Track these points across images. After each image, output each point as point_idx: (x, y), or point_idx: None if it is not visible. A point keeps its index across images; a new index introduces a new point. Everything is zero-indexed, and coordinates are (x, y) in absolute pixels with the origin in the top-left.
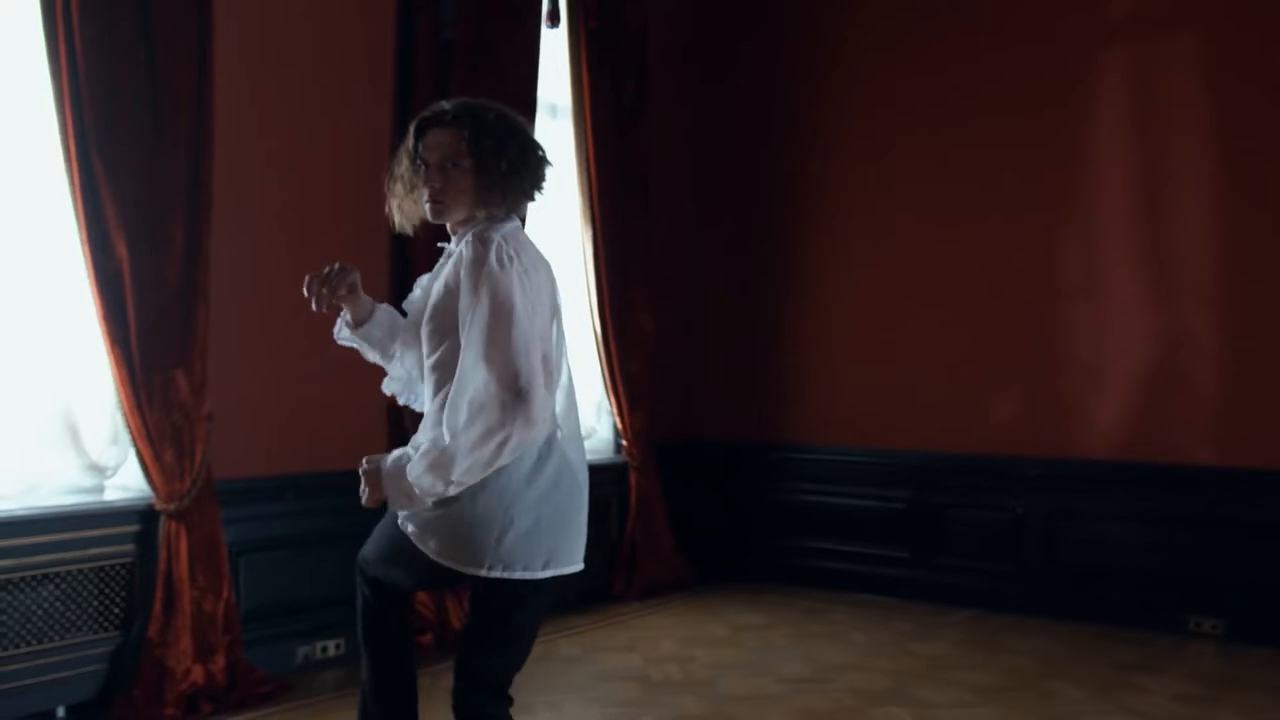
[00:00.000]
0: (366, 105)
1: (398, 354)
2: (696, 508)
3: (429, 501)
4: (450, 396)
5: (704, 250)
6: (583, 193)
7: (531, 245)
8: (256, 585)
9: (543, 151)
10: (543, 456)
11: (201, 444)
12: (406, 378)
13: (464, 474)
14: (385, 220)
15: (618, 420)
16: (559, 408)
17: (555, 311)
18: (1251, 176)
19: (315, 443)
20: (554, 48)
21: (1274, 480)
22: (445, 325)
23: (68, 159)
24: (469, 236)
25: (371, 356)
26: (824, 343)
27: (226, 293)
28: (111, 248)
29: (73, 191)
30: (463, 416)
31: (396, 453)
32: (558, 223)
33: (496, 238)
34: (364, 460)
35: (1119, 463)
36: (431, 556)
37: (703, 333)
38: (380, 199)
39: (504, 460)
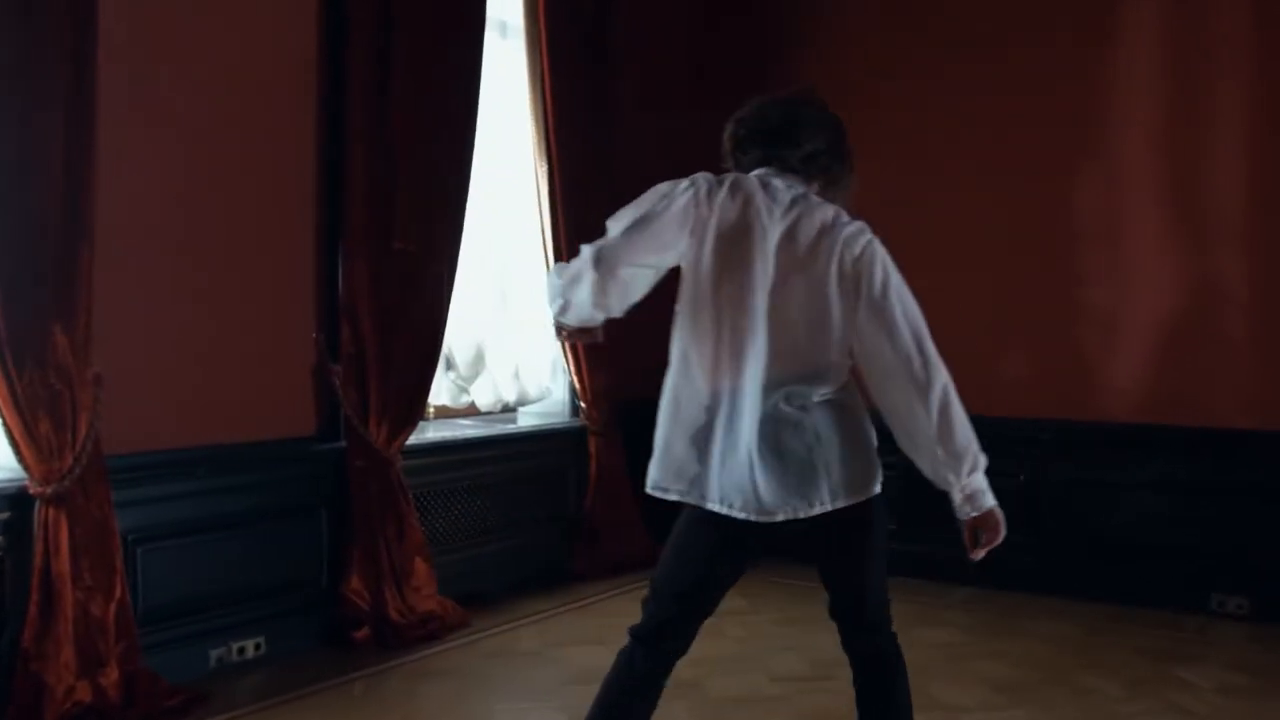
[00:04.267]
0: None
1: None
2: None
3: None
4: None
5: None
6: (536, 122)
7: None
8: (159, 579)
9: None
10: None
11: (87, 413)
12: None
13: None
14: (312, 135)
15: (575, 380)
16: None
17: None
18: None
19: (231, 409)
20: None
21: None
22: None
23: None
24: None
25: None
26: None
27: (117, 229)
28: None
29: None
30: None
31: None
32: (508, 159)
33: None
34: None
35: (1139, 425)
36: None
37: (673, 282)
38: (307, 110)
39: None
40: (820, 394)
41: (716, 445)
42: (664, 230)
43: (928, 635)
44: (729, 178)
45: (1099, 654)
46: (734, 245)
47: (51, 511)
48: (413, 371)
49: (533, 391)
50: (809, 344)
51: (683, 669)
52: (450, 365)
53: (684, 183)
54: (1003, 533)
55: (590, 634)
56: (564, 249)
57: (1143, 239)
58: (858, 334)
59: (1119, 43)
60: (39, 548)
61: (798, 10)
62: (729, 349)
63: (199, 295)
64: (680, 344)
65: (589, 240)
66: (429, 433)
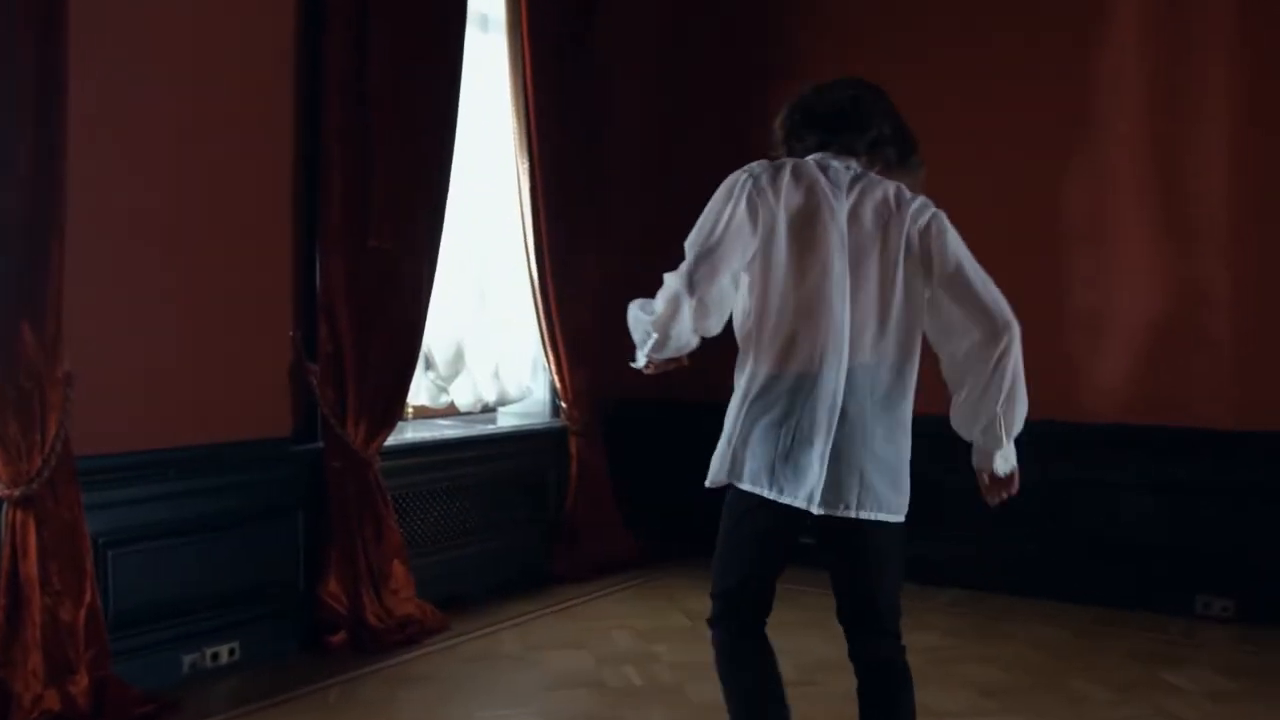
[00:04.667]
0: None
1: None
2: (645, 475)
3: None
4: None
5: (666, 184)
6: (518, 118)
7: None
8: (130, 584)
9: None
10: None
11: (56, 414)
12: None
13: None
14: (289, 130)
15: (556, 379)
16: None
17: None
18: (1274, 112)
19: (205, 409)
20: None
21: None
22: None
23: None
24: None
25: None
26: None
27: (89, 225)
28: None
29: None
30: None
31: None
32: (489, 155)
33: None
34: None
35: (1124, 425)
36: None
37: (657, 279)
38: (284, 104)
39: None
40: (885, 390)
41: (787, 435)
42: (740, 232)
43: (913, 639)
44: (787, 163)
45: (1087, 658)
46: (804, 231)
47: (19, 514)
48: (391, 371)
49: (513, 391)
50: (881, 327)
51: (664, 673)
52: (429, 364)
53: (742, 176)
54: (1018, 484)
55: (571, 637)
56: (545, 246)
57: (1130, 240)
58: (933, 308)
59: (1107, 44)
60: (6, 551)
61: (794, 6)
62: (806, 336)
63: (173, 292)
64: (752, 335)
65: (570, 238)
66: (408, 433)
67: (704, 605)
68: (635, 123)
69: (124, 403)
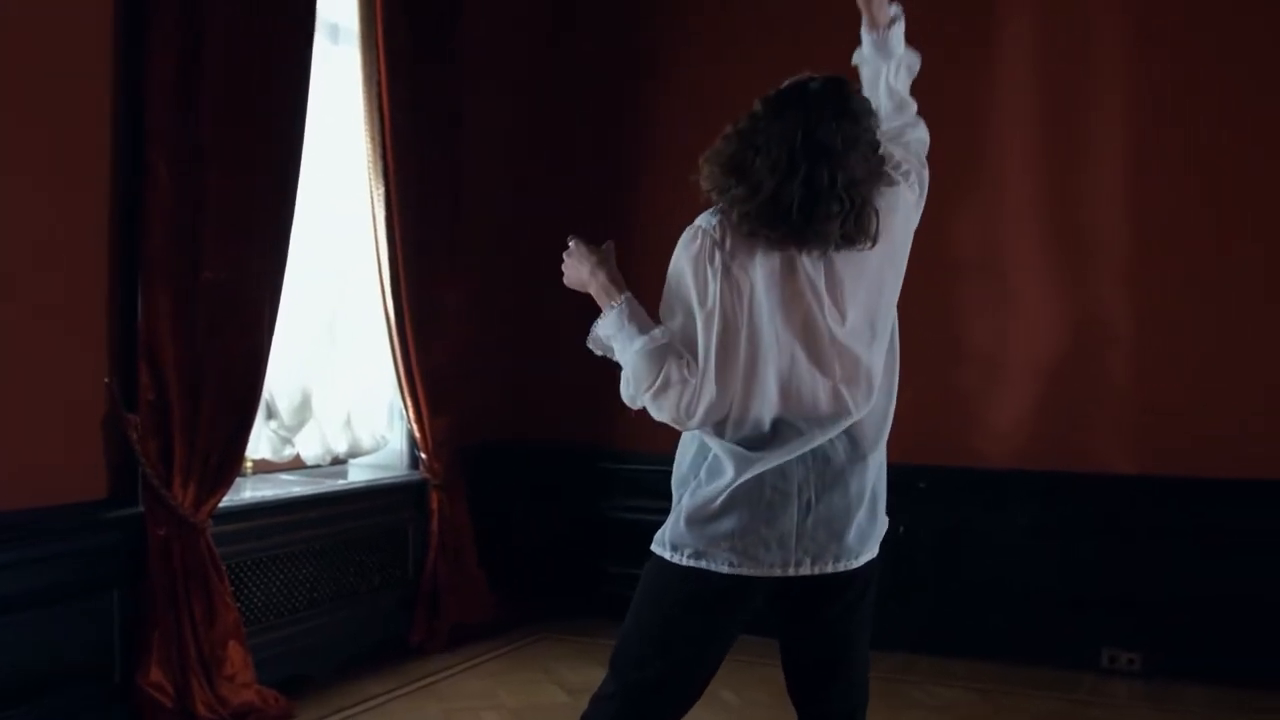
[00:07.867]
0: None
1: None
2: (512, 529)
3: None
4: None
5: (531, 213)
6: (372, 138)
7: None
8: None
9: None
10: None
11: None
12: None
13: None
14: (105, 141)
15: (415, 427)
16: None
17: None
18: (1173, 140)
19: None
20: None
21: (1193, 490)
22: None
23: None
24: None
25: None
26: None
27: None
28: None
29: None
30: None
31: None
32: (340, 176)
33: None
34: None
35: (1020, 471)
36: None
37: (524, 314)
38: (99, 111)
39: None
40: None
41: (810, 502)
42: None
43: None
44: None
45: None
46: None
47: None
48: (226, 421)
49: (366, 442)
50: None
51: None
52: (271, 413)
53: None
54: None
55: None
56: (402, 279)
57: (1022, 273)
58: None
59: (997, 69)
60: None
61: (669, 10)
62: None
63: None
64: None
65: (431, 270)
66: (246, 491)
67: (581, 677)
68: (504, 143)
69: None
